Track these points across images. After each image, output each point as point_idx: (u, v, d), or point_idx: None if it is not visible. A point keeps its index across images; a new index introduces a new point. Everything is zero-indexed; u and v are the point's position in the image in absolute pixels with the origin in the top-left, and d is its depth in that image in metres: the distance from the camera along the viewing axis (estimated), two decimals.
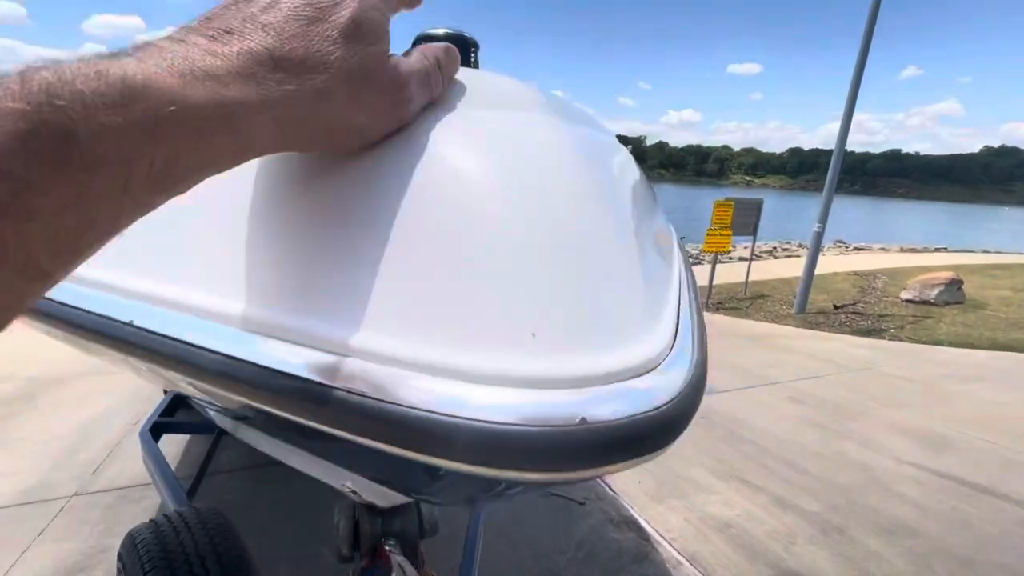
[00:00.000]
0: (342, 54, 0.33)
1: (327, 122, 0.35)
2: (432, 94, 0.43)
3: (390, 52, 0.38)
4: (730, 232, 7.00)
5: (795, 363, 4.26)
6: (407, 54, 0.42)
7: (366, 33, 0.35)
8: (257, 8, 0.32)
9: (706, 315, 6.39)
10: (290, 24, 0.32)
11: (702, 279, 7.46)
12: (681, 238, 1.48)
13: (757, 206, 7.44)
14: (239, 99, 0.28)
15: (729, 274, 8.53)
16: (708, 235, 6.99)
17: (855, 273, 9.57)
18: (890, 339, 5.38)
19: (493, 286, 0.36)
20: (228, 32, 0.31)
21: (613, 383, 0.33)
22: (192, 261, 0.53)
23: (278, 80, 0.30)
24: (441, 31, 0.98)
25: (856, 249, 15.75)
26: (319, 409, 0.37)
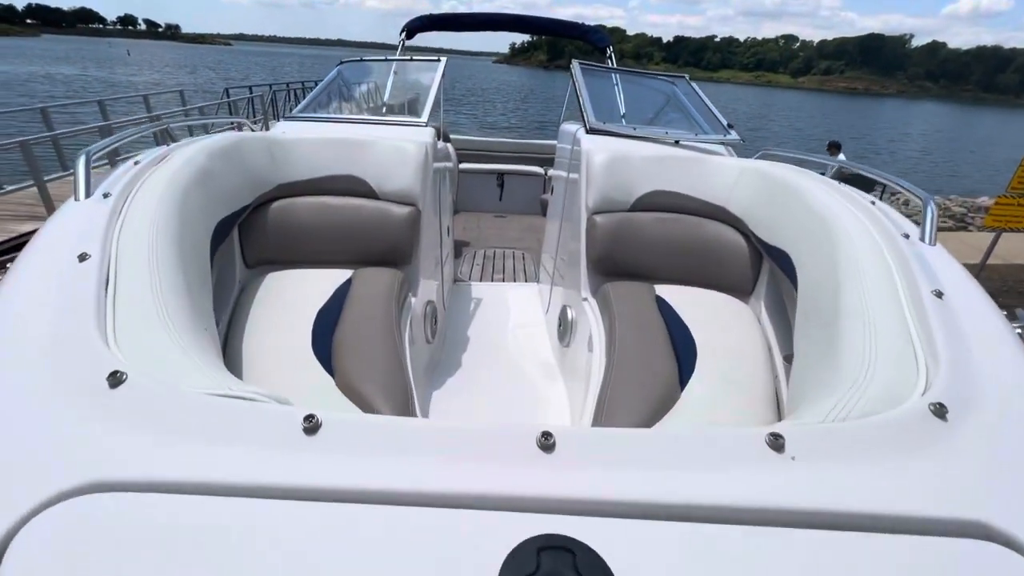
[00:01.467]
0: None
1: None
2: None
3: None
4: None
5: None
6: None
7: None
8: None
9: None
10: None
11: (971, 253, 5.54)
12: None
13: None
14: None
15: (1015, 248, 6.14)
16: (998, 203, 5.05)
17: None
18: None
19: None
20: None
21: None
22: None
23: None
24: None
25: None
26: None
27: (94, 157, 1.16)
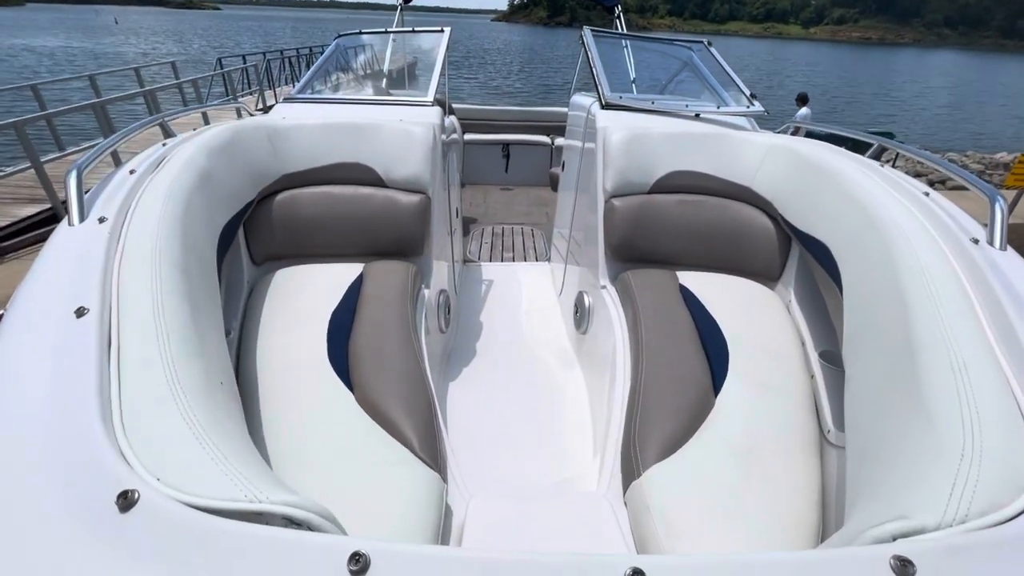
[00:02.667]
0: None
1: None
2: None
3: None
4: None
5: None
6: None
7: None
8: None
9: None
10: None
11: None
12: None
13: None
14: None
15: None
16: (1020, 162, 4.88)
17: None
18: None
19: None
20: None
21: None
22: None
23: None
24: None
25: None
26: None
27: (85, 170, 1.06)
